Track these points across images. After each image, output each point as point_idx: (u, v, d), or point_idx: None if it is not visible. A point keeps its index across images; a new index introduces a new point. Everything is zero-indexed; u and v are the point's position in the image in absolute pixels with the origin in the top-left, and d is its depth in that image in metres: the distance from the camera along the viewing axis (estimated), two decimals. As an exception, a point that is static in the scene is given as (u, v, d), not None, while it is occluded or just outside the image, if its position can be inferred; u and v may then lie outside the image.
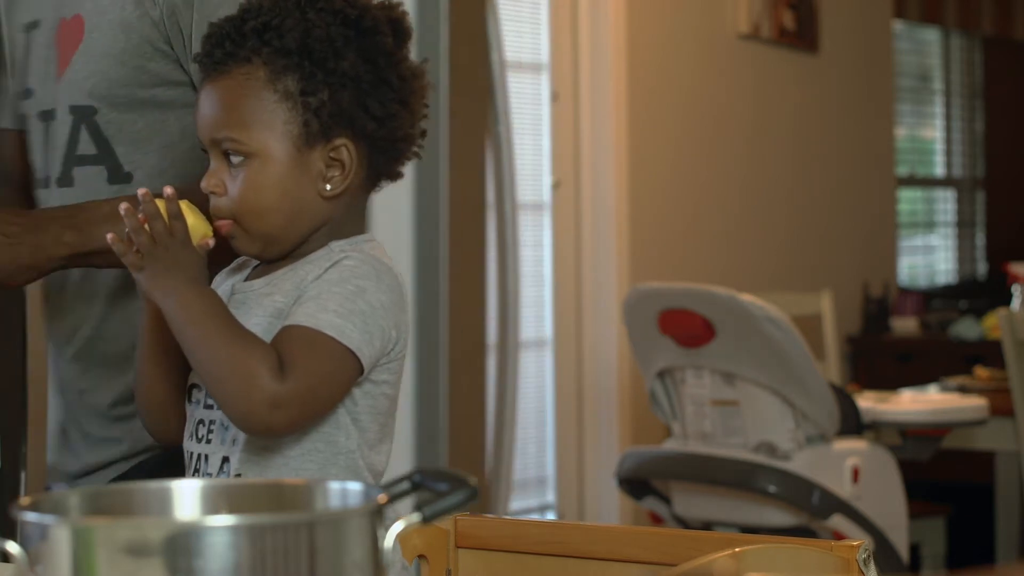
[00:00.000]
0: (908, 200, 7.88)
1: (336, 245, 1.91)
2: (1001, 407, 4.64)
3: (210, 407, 1.89)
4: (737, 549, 1.72)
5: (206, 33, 1.93)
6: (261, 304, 1.90)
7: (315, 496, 1.43)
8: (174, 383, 1.94)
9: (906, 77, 7.76)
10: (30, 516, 1.28)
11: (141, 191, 1.85)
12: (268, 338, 1.83)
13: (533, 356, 5.43)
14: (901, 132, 7.65)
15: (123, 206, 1.84)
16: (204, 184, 1.89)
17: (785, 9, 6.33)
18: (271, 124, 1.88)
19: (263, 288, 1.92)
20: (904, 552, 4.26)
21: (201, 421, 1.91)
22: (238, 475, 1.86)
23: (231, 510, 1.41)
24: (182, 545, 1.23)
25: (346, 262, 1.87)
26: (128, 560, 1.24)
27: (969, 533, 5.61)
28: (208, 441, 1.89)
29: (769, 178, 6.37)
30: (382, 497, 1.34)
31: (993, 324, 6.14)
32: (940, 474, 5.83)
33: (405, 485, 1.40)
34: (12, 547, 1.28)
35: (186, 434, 1.93)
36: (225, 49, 1.89)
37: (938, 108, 8.13)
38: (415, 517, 1.35)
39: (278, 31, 1.88)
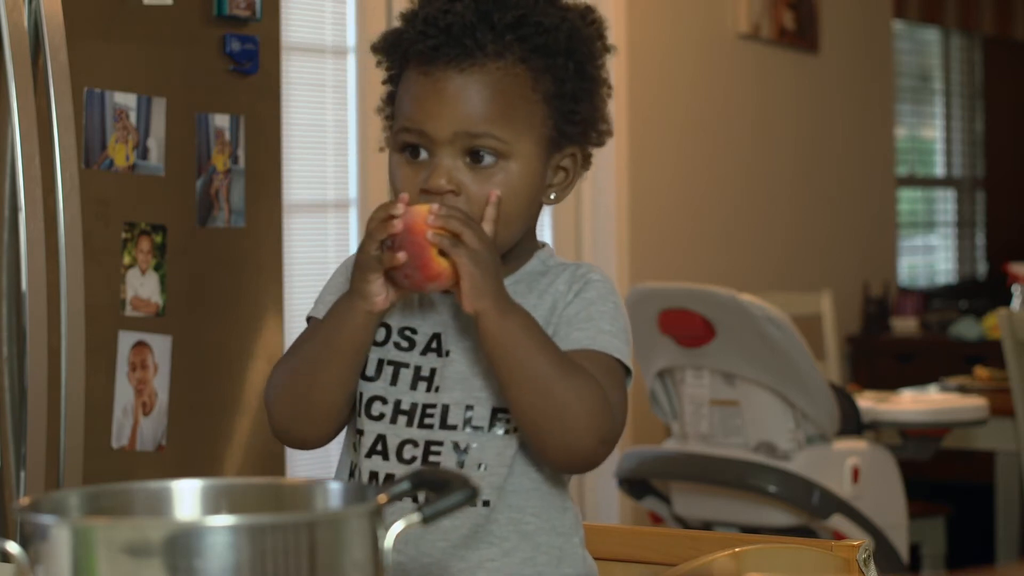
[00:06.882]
0: (908, 200, 7.88)
1: (542, 255, 1.83)
2: (1001, 407, 4.64)
3: (428, 426, 1.75)
4: (737, 549, 1.72)
5: (422, 15, 1.73)
6: None
7: (315, 496, 1.43)
8: (350, 391, 1.77)
9: (906, 77, 7.76)
10: (30, 516, 1.28)
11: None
12: None
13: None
14: (901, 132, 7.64)
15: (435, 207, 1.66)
16: (432, 182, 1.71)
17: (785, 9, 6.33)
18: (531, 125, 1.73)
19: None
20: (904, 552, 4.26)
21: (411, 441, 1.76)
22: (486, 503, 1.74)
23: (231, 510, 1.41)
24: (182, 545, 1.23)
25: (592, 276, 1.78)
26: (128, 560, 1.24)
27: (969, 533, 5.61)
28: (428, 463, 1.74)
29: (769, 178, 6.36)
30: (382, 497, 1.34)
31: (993, 324, 6.14)
32: (940, 474, 5.83)
33: (405, 485, 1.40)
34: (12, 547, 1.27)
35: (362, 450, 1.78)
36: (475, 39, 1.70)
37: (938, 108, 8.12)
38: (415, 517, 1.35)
39: (541, 28, 1.73)
